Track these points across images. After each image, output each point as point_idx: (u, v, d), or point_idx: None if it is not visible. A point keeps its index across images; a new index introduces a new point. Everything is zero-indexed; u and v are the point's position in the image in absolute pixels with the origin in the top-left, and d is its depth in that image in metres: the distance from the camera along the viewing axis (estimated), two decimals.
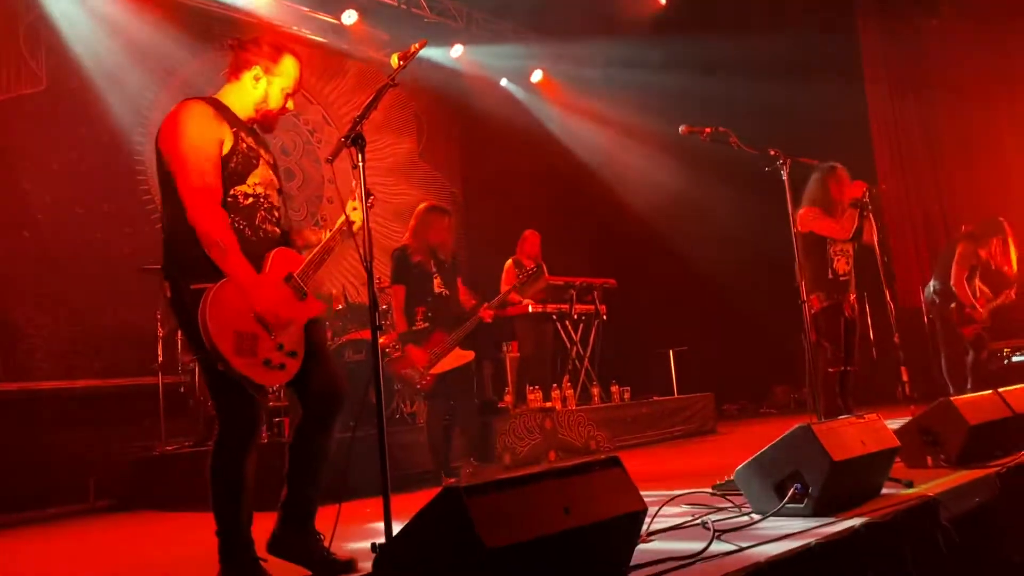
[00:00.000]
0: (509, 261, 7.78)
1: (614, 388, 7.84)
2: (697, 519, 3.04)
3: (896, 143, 10.45)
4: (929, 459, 3.85)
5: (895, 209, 10.28)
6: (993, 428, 3.90)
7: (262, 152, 2.91)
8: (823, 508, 2.88)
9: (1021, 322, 8.66)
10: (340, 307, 7.28)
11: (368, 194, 3.01)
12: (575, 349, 8.20)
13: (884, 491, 3.26)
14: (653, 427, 7.64)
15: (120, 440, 6.61)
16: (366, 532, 3.81)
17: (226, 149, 2.73)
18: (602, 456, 2.36)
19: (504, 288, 7.05)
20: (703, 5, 9.70)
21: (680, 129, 4.36)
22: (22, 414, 6.41)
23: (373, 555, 2.20)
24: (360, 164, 2.67)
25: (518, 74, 11.09)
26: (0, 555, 4.63)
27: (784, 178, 4.30)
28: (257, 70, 2.91)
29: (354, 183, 2.72)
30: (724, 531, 2.76)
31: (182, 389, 6.64)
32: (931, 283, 7.11)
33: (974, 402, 4.00)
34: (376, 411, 2.60)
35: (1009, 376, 7.64)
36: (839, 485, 2.92)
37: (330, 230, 3.07)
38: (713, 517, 3.01)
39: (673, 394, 8.58)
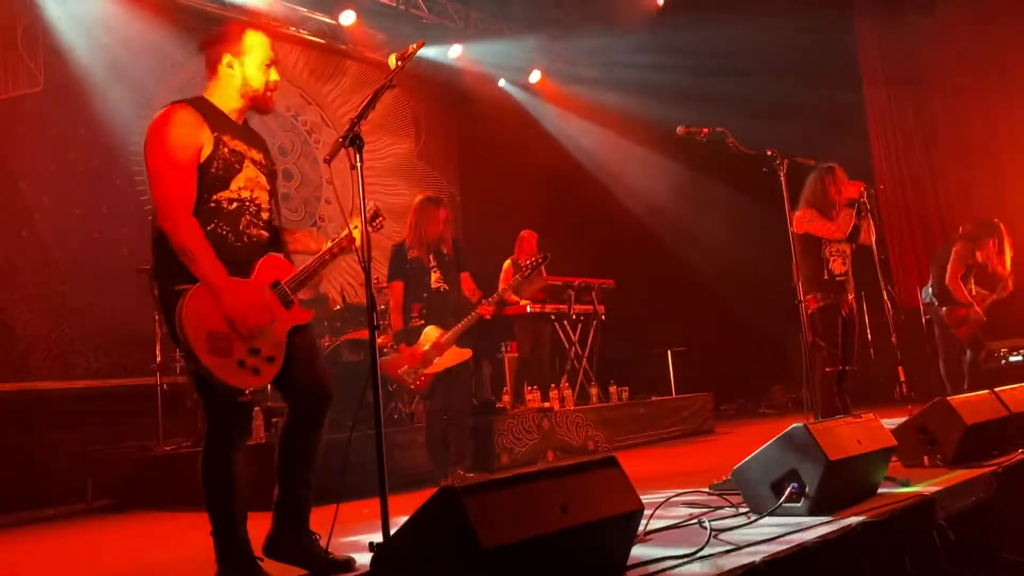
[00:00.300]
0: (507, 262, 7.79)
1: (612, 388, 7.85)
2: (694, 518, 3.04)
3: (894, 143, 10.46)
4: (926, 458, 3.86)
5: (893, 209, 10.30)
6: (990, 427, 3.91)
7: (252, 152, 2.90)
8: (820, 507, 2.89)
9: (1018, 322, 8.69)
10: (338, 307, 7.29)
11: (376, 215, 3.11)
12: (573, 349, 8.21)
13: (881, 490, 3.27)
14: (651, 427, 7.64)
15: (118, 440, 6.60)
16: (364, 532, 3.81)
17: (205, 155, 2.73)
18: (599, 456, 2.37)
19: (503, 287, 7.05)
20: (700, 6, 9.70)
21: (678, 129, 4.36)
22: (20, 414, 6.41)
23: (371, 554, 2.20)
24: (358, 165, 2.67)
25: (516, 75, 11.10)
26: None
27: (782, 178, 4.31)
28: (227, 58, 2.90)
29: (360, 198, 2.67)
30: (721, 530, 2.77)
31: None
32: (928, 285, 7.12)
33: (971, 402, 4.01)
34: (374, 411, 2.61)
35: (1006, 376, 7.65)
36: (836, 484, 2.93)
37: (330, 240, 3.05)
38: (710, 516, 3.02)
39: (671, 394, 8.60)
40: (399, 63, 2.84)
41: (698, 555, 2.45)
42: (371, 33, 9.84)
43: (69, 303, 6.99)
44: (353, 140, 2.66)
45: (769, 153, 4.33)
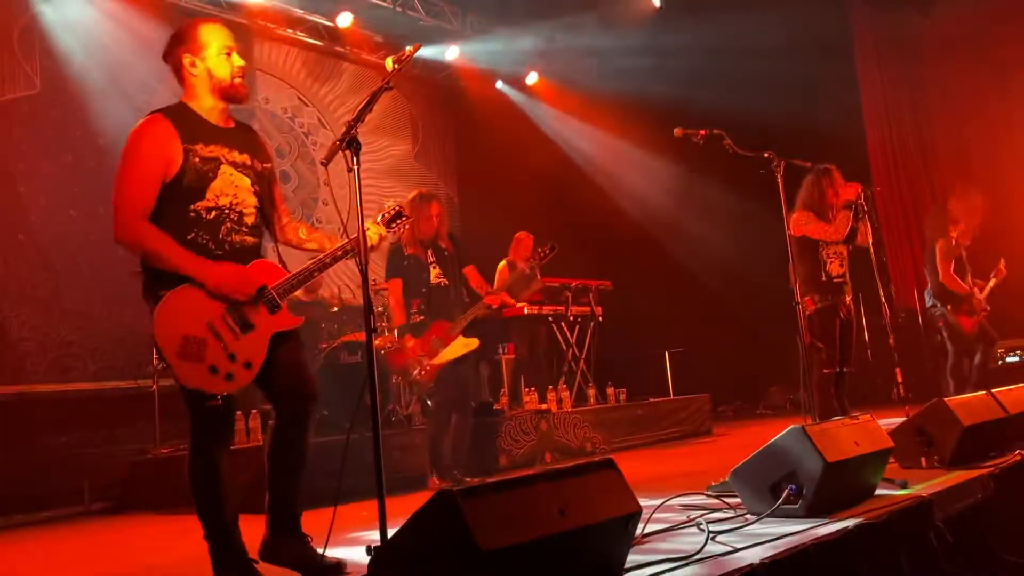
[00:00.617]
0: (502, 263, 7.78)
1: (610, 390, 7.85)
2: (692, 520, 3.04)
3: (891, 144, 10.48)
4: (923, 460, 3.86)
5: (890, 211, 10.32)
6: (987, 429, 3.91)
7: (232, 155, 2.87)
8: (817, 509, 2.89)
9: (1016, 322, 8.70)
10: (336, 309, 7.28)
11: (399, 214, 3.18)
12: (571, 351, 8.21)
13: (878, 492, 3.27)
14: (649, 429, 7.65)
15: (115, 443, 6.60)
16: (362, 535, 3.81)
17: (176, 168, 2.73)
18: (597, 458, 2.37)
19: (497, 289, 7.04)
20: (697, 8, 9.72)
21: (675, 131, 4.37)
22: (17, 417, 6.40)
23: (368, 557, 2.20)
24: (355, 167, 2.67)
25: (513, 76, 11.10)
26: None
27: (779, 180, 4.32)
28: (187, 58, 2.89)
29: (357, 201, 2.63)
30: (719, 532, 2.77)
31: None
32: (928, 290, 7.13)
33: (968, 403, 4.01)
34: (371, 413, 2.60)
35: (1004, 377, 7.66)
36: (833, 486, 2.93)
37: (342, 241, 3.01)
38: (708, 518, 3.02)
39: (669, 395, 8.59)
40: (396, 65, 2.84)
41: (696, 558, 2.45)
42: (368, 35, 9.85)
43: (66, 306, 6.98)
44: (350, 143, 2.65)
45: (766, 155, 4.34)
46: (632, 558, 2.40)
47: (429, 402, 6.53)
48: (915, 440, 3.89)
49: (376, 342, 3.34)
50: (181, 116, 2.83)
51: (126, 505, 5.99)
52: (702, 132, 4.36)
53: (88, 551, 4.64)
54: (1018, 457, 3.86)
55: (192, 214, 2.76)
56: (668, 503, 3.41)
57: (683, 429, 7.93)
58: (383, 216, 3.23)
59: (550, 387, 7.24)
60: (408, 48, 2.87)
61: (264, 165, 3.01)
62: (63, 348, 6.96)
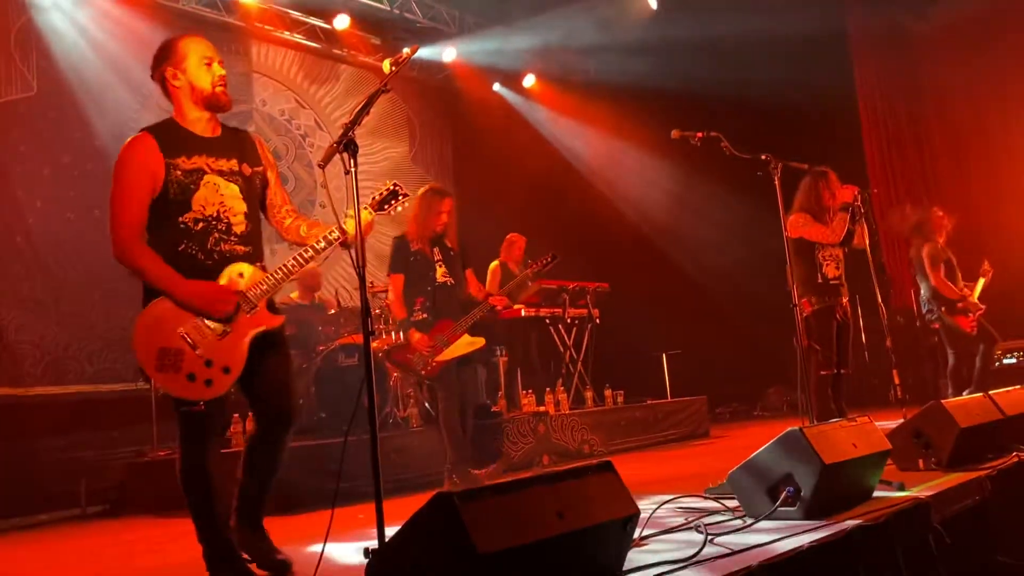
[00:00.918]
0: (495, 263, 7.76)
1: (607, 392, 7.85)
2: (690, 523, 3.04)
3: (887, 146, 10.49)
4: (920, 462, 3.86)
5: (887, 213, 10.32)
6: (984, 431, 3.91)
7: (219, 164, 2.93)
8: (815, 511, 2.89)
9: (1012, 324, 8.71)
10: (333, 311, 7.27)
11: (394, 193, 3.24)
12: (568, 353, 8.20)
13: (876, 494, 3.27)
14: (647, 431, 7.65)
15: (112, 446, 6.59)
16: (359, 537, 3.80)
17: (160, 183, 2.82)
18: (595, 461, 2.37)
19: (491, 289, 7.04)
20: (694, 11, 9.73)
21: (672, 134, 4.38)
22: (14, 420, 6.39)
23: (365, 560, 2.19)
24: (353, 170, 2.67)
25: (511, 78, 11.11)
26: None
27: (776, 183, 4.32)
28: (170, 71, 2.95)
29: (355, 203, 2.66)
30: (717, 535, 2.77)
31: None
32: (921, 296, 7.13)
33: (965, 405, 4.02)
34: (369, 416, 2.60)
35: (1000, 379, 7.67)
36: (831, 488, 2.93)
37: (321, 240, 2.99)
38: (706, 521, 3.02)
39: (666, 397, 8.59)
40: (393, 68, 2.84)
41: (694, 560, 2.45)
42: (365, 37, 9.85)
43: (62, 308, 6.96)
44: (347, 145, 2.66)
45: (763, 157, 4.34)
46: (631, 560, 2.41)
47: (428, 404, 6.55)
48: (912, 442, 3.89)
49: (374, 344, 3.35)
50: (166, 131, 2.91)
51: (123, 508, 5.98)
52: (699, 134, 4.36)
53: (85, 554, 4.63)
54: (1015, 459, 3.87)
55: (181, 226, 2.83)
56: (666, 505, 3.41)
57: (681, 431, 7.93)
58: (374, 199, 3.24)
59: (548, 389, 7.23)
60: (405, 50, 2.88)
61: (255, 168, 3.05)
62: (60, 350, 6.94)
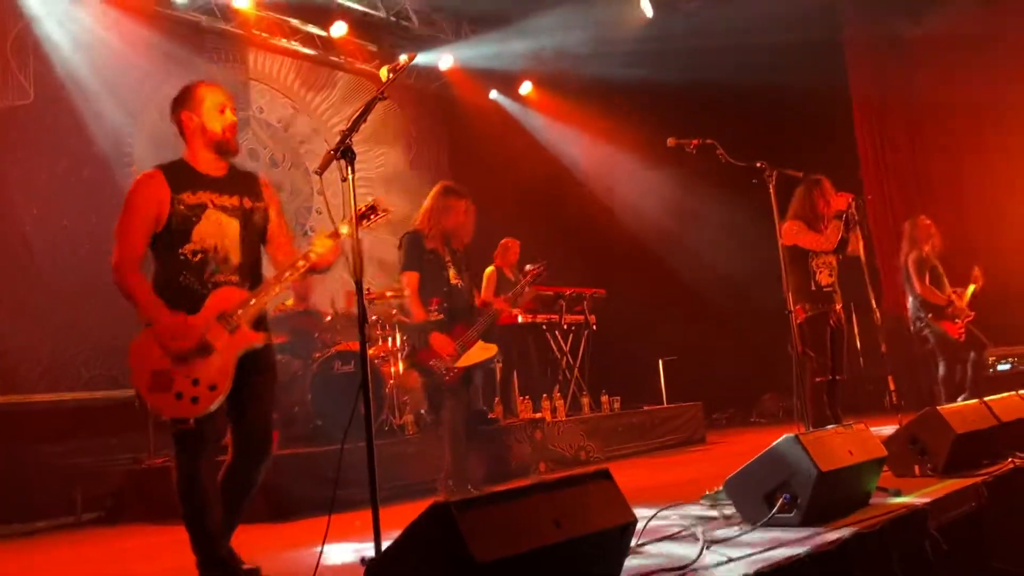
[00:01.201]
0: (490, 268, 7.76)
1: (604, 398, 7.85)
2: (687, 530, 3.05)
3: (882, 154, 10.52)
4: (916, 468, 3.87)
5: (880, 220, 10.35)
6: (979, 437, 3.93)
7: (221, 200, 3.10)
8: (812, 518, 2.90)
9: (1006, 330, 8.73)
10: (329, 318, 7.27)
11: (372, 208, 3.22)
12: (565, 359, 8.21)
13: (872, 500, 3.28)
14: (643, 437, 7.65)
15: (108, 453, 6.56)
16: (356, 545, 3.80)
17: (164, 216, 3.01)
18: (592, 468, 2.37)
19: (487, 296, 7.05)
20: (689, 19, 9.76)
21: (667, 142, 4.39)
22: (9, 427, 6.36)
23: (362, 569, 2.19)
24: (350, 177, 2.69)
25: (507, 85, 11.13)
26: None
27: (771, 190, 4.34)
28: (186, 114, 3.15)
29: (352, 210, 2.73)
30: (714, 542, 2.77)
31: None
32: (909, 305, 7.13)
33: (960, 411, 4.03)
34: (365, 423, 2.61)
35: (995, 385, 7.68)
36: (827, 495, 2.94)
37: (296, 264, 3.13)
38: (703, 528, 3.02)
39: (663, 403, 8.60)
40: (391, 75, 2.86)
41: (692, 566, 2.45)
42: (362, 44, 9.87)
43: (59, 314, 6.95)
44: (345, 152, 2.67)
45: (758, 165, 4.36)
46: (628, 568, 2.41)
47: (424, 411, 6.54)
48: (908, 448, 3.90)
49: (370, 351, 3.33)
50: (176, 169, 3.11)
51: (119, 515, 5.95)
52: (695, 142, 4.38)
53: (80, 562, 4.62)
54: (1011, 465, 3.88)
55: (181, 257, 3.01)
56: (663, 512, 3.41)
57: (677, 437, 7.94)
58: (350, 218, 3.20)
59: (544, 395, 7.23)
60: (403, 58, 2.90)
61: (256, 203, 3.20)
62: (56, 357, 6.92)
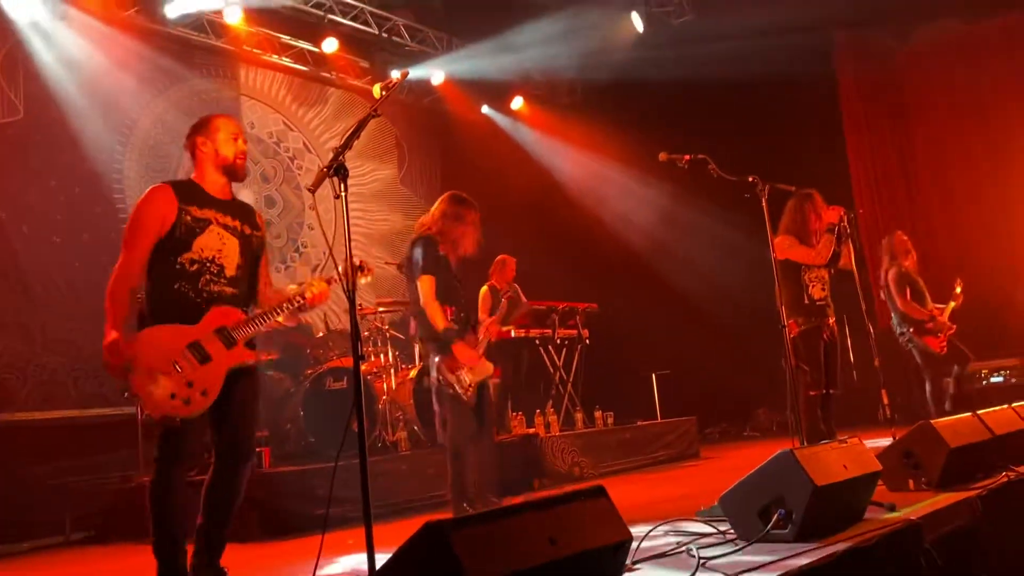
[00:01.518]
0: (484, 287, 7.75)
1: (598, 413, 7.83)
2: (682, 546, 3.03)
3: (872, 167, 10.57)
4: (911, 482, 3.86)
5: (872, 233, 10.39)
6: (973, 450, 3.92)
7: (224, 219, 3.30)
8: (807, 533, 2.88)
9: (999, 341, 8.77)
10: (321, 334, 7.25)
11: (361, 268, 3.32)
12: (558, 374, 8.19)
13: (867, 515, 3.27)
14: (637, 452, 7.62)
15: (98, 471, 6.51)
16: (349, 563, 3.77)
17: (169, 225, 3.19)
18: (587, 485, 2.36)
19: (482, 316, 7.03)
20: (680, 33, 9.83)
21: (659, 156, 4.40)
22: None
23: None
24: (343, 194, 2.68)
25: (499, 101, 11.16)
26: None
27: (763, 204, 4.35)
28: (200, 140, 3.36)
29: (345, 227, 2.75)
30: (709, 558, 2.76)
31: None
32: (893, 320, 7.13)
33: (954, 425, 4.03)
34: (358, 440, 2.59)
35: (988, 397, 7.70)
36: (822, 510, 2.92)
37: (294, 298, 3.38)
38: (698, 544, 3.01)
39: (656, 418, 8.59)
40: (383, 92, 2.87)
41: None
42: (354, 60, 9.89)
43: (48, 332, 6.91)
44: (338, 170, 2.67)
45: (750, 179, 4.37)
46: None
47: (417, 427, 6.51)
48: (902, 462, 3.89)
49: (363, 368, 3.28)
50: (185, 186, 3.32)
51: (108, 535, 5.90)
52: (687, 157, 4.39)
53: None
54: (1005, 479, 3.88)
55: (178, 266, 3.19)
56: (658, 529, 3.39)
57: (671, 452, 7.92)
58: (331, 277, 3.47)
59: (538, 411, 7.21)
60: (396, 75, 2.91)
61: (255, 232, 3.43)
62: (46, 375, 6.88)
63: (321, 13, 9.02)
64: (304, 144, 9.68)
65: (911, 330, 6.88)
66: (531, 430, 6.93)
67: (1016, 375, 8.67)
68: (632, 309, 10.43)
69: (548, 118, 11.37)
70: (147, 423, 6.42)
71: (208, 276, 3.23)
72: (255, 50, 9.11)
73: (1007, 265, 9.38)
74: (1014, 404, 4.65)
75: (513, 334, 7.70)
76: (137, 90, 8.04)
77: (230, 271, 3.29)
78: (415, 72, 9.76)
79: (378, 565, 2.11)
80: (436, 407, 4.71)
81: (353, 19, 9.29)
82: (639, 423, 8.10)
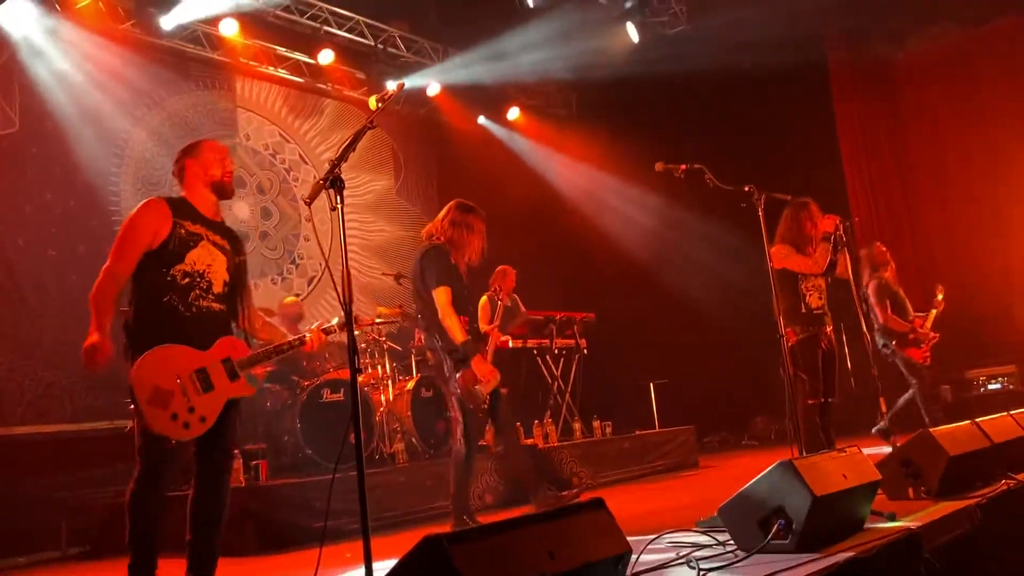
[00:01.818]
0: (483, 298, 7.74)
1: (596, 423, 7.81)
2: (682, 558, 3.02)
3: (868, 175, 10.60)
4: (910, 491, 3.85)
5: (868, 242, 10.40)
6: (972, 458, 3.91)
7: (213, 237, 3.38)
8: (807, 544, 2.87)
9: (996, 348, 8.77)
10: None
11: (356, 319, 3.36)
12: (556, 384, 8.17)
13: (867, 525, 3.26)
14: (636, 462, 7.60)
15: (94, 485, 6.47)
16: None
17: (163, 237, 3.25)
18: (587, 497, 2.35)
19: (483, 325, 7.01)
20: (675, 43, 9.86)
21: (655, 166, 4.41)
22: None
23: None
24: (339, 206, 2.68)
25: (495, 111, 11.18)
26: None
27: (759, 214, 4.35)
28: (189, 162, 3.46)
29: (341, 239, 2.76)
30: (710, 570, 2.74)
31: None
32: (876, 332, 7.10)
33: (952, 433, 4.02)
34: (356, 453, 2.58)
35: (985, 405, 7.69)
36: (822, 520, 2.91)
37: (290, 336, 3.56)
38: (698, 555, 2.99)
39: (655, 427, 8.56)
40: (379, 104, 2.88)
41: None
42: (349, 72, 9.90)
43: (44, 346, 6.89)
44: (334, 182, 2.67)
45: (746, 189, 4.37)
46: None
47: (414, 439, 6.48)
48: (902, 471, 3.88)
49: (359, 379, 3.27)
50: (179, 202, 3.40)
51: (104, 549, 5.86)
52: (683, 167, 4.39)
53: None
54: (1004, 487, 3.87)
55: (168, 278, 3.24)
56: (657, 541, 3.37)
57: (669, 462, 7.89)
58: (320, 326, 3.61)
59: (536, 421, 7.19)
60: (391, 88, 2.91)
61: (239, 257, 3.51)
62: (41, 389, 6.85)
63: (317, 25, 9.04)
64: (300, 156, 9.68)
65: (894, 343, 6.86)
66: (530, 440, 6.91)
67: (1013, 382, 8.67)
68: (630, 318, 10.43)
69: (544, 128, 11.39)
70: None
71: (198, 291, 3.30)
72: (251, 62, 9.12)
73: (1004, 271, 9.40)
74: (1012, 411, 4.64)
75: (511, 344, 7.69)
76: (133, 103, 8.05)
77: (217, 287, 3.37)
78: (411, 83, 9.78)
79: None
80: (454, 414, 4.70)
81: (349, 31, 9.31)
82: (637, 432, 8.08)
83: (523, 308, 7.90)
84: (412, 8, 9.90)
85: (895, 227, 10.47)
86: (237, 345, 3.37)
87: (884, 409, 5.58)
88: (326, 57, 9.30)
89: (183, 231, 3.29)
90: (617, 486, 6.95)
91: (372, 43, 9.53)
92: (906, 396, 6.94)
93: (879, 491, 3.48)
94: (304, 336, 3.52)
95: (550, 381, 8.14)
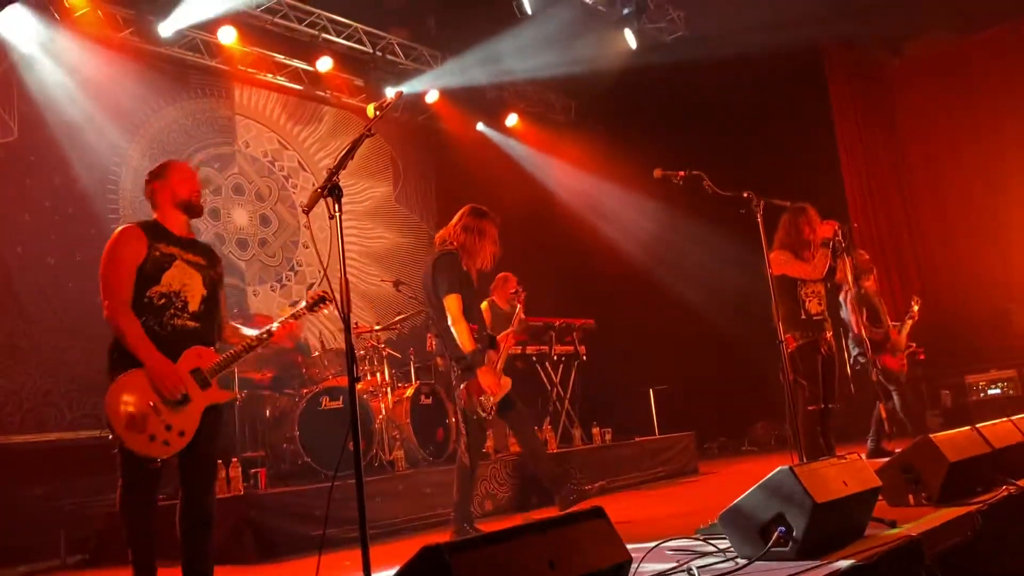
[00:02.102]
0: (484, 303, 7.73)
1: (595, 429, 7.79)
2: (682, 566, 3.00)
3: (867, 180, 10.61)
4: (911, 497, 3.84)
5: (867, 247, 10.41)
6: (973, 464, 3.90)
7: (187, 255, 3.48)
8: (808, 551, 2.86)
9: (995, 353, 8.77)
10: (317, 353, 7.22)
11: (322, 299, 3.57)
12: (555, 390, 8.16)
13: (868, 531, 3.25)
14: (635, 468, 7.58)
15: (93, 493, 6.45)
16: None
17: (140, 260, 3.35)
18: (586, 505, 2.34)
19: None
20: (674, 49, 9.87)
21: (654, 173, 4.41)
22: None
23: None
24: (337, 214, 2.68)
25: (493, 118, 11.19)
26: None
27: (758, 220, 4.35)
28: (158, 184, 3.54)
29: (339, 246, 2.75)
30: None
31: None
32: (850, 340, 7.05)
33: (953, 439, 4.01)
34: (354, 461, 2.57)
35: (985, 410, 7.69)
36: (823, 527, 2.90)
37: (261, 335, 3.59)
38: (698, 563, 2.98)
39: (654, 434, 8.55)
40: (378, 112, 2.87)
41: None
42: (348, 79, 9.91)
43: (42, 354, 6.87)
44: (332, 190, 2.67)
45: (745, 195, 4.38)
46: None
47: (414, 446, 6.45)
48: (902, 478, 3.87)
49: (358, 387, 3.27)
50: (150, 226, 3.50)
51: (103, 557, 5.84)
52: (681, 173, 4.40)
53: None
54: (1005, 493, 3.86)
55: (145, 300, 3.34)
56: (658, 548, 3.36)
57: (669, 468, 7.87)
58: (306, 303, 3.65)
59: (535, 428, 7.17)
60: (390, 96, 2.91)
61: (214, 268, 3.60)
62: (40, 397, 6.84)
63: (315, 32, 9.05)
64: (299, 163, 9.68)
65: (869, 351, 6.84)
66: None
67: (1013, 387, 8.67)
68: (629, 325, 10.43)
69: (542, 135, 11.40)
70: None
71: (173, 310, 3.39)
72: (249, 69, 9.13)
73: (1003, 276, 9.40)
74: (1013, 417, 4.63)
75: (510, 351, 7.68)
76: (131, 110, 8.05)
77: (193, 306, 3.45)
78: (410, 90, 9.79)
79: None
80: (460, 425, 4.74)
81: (347, 38, 9.32)
82: (637, 439, 8.07)
83: (523, 315, 7.88)
84: (411, 15, 9.91)
85: (894, 233, 10.49)
86: (203, 354, 3.43)
87: (884, 415, 5.57)
88: (325, 64, 9.32)
89: (158, 253, 3.39)
90: (617, 493, 6.93)
91: (371, 50, 9.54)
92: (885, 407, 6.90)
93: (879, 498, 3.47)
94: (271, 328, 3.57)
95: (549, 388, 8.13)
